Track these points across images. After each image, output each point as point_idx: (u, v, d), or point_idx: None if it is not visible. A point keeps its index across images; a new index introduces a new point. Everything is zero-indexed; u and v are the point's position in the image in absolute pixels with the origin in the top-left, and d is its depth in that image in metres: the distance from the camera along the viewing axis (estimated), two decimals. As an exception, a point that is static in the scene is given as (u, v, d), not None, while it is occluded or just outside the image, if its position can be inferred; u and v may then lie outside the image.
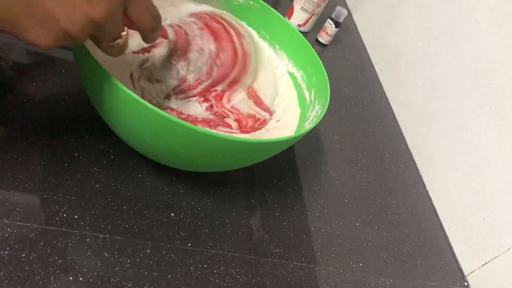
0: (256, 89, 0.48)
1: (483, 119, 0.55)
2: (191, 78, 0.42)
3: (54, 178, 0.38)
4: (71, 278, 0.33)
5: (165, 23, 0.44)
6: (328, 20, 0.78)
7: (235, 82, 0.44)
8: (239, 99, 0.45)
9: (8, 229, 0.33)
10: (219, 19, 0.45)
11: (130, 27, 0.31)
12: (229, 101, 0.44)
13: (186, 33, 0.43)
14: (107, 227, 0.37)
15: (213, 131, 0.32)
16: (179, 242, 0.39)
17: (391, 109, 0.74)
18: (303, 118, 0.49)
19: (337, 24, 0.78)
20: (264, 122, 0.47)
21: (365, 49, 0.88)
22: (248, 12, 0.54)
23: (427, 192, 0.61)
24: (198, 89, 0.42)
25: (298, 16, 0.78)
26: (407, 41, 0.75)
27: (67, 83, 0.46)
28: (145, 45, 0.43)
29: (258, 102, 0.48)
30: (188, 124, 0.31)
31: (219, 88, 0.43)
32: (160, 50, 0.43)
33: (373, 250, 0.48)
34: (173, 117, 0.30)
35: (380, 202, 0.55)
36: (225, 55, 0.43)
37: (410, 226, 0.54)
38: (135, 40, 0.41)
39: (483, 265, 0.50)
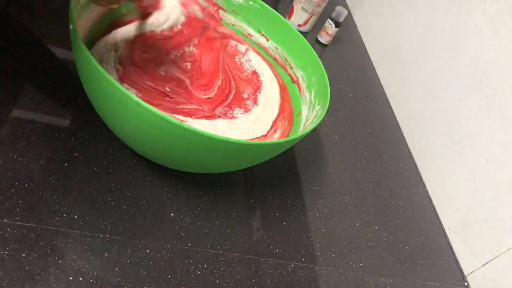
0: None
1: (483, 119, 0.55)
2: None
3: (54, 178, 0.38)
4: (71, 278, 0.33)
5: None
6: (328, 20, 0.78)
7: None
8: None
9: (8, 229, 0.33)
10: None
11: None
12: None
13: None
14: (107, 227, 0.37)
15: (213, 133, 0.32)
16: (179, 242, 0.39)
17: (391, 109, 0.74)
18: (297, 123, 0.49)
19: (337, 24, 0.78)
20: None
21: (365, 49, 0.88)
22: (248, 12, 0.54)
23: (427, 192, 0.61)
24: None
25: (298, 16, 0.78)
26: (407, 41, 0.75)
27: (67, 83, 0.46)
28: None
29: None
30: (188, 126, 0.31)
31: None
32: None
33: (373, 250, 0.48)
34: (173, 119, 0.30)
35: (380, 202, 0.55)
36: None
37: (410, 226, 0.54)
38: None
39: (483, 265, 0.50)
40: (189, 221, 0.41)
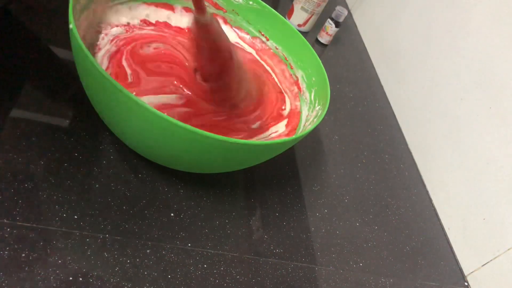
0: None
1: (483, 119, 0.55)
2: None
3: (54, 178, 0.38)
4: (71, 278, 0.33)
5: None
6: (328, 20, 0.78)
7: None
8: None
9: (8, 229, 0.33)
10: None
11: None
12: None
13: None
14: (107, 227, 0.37)
15: (213, 134, 0.32)
16: (179, 242, 0.39)
17: (391, 109, 0.74)
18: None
19: (337, 24, 0.78)
20: None
21: (365, 49, 0.88)
22: (248, 12, 0.54)
23: (427, 192, 0.61)
24: None
25: (298, 16, 0.78)
26: (407, 41, 0.75)
27: (67, 83, 0.46)
28: None
29: None
30: (188, 126, 0.31)
31: None
32: None
33: (373, 250, 0.48)
34: (173, 119, 0.30)
35: (380, 202, 0.55)
36: None
37: (410, 226, 0.54)
38: None
39: (483, 265, 0.50)
40: (189, 221, 0.41)
